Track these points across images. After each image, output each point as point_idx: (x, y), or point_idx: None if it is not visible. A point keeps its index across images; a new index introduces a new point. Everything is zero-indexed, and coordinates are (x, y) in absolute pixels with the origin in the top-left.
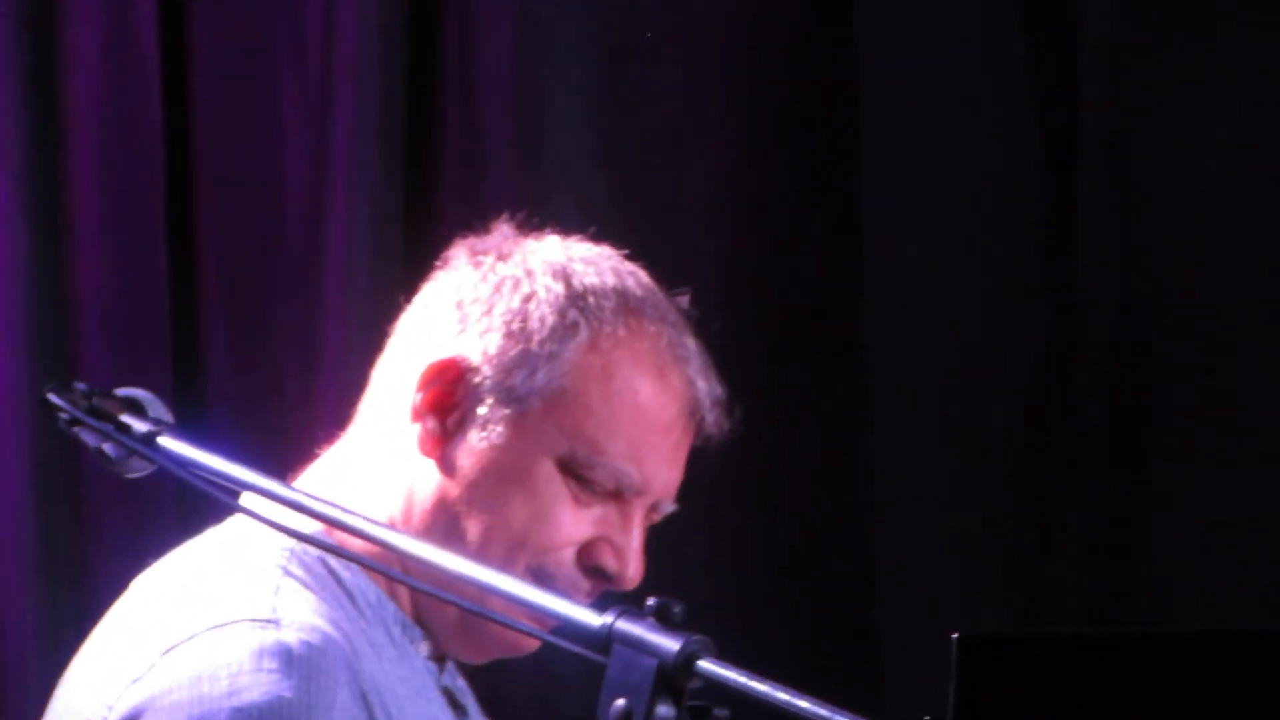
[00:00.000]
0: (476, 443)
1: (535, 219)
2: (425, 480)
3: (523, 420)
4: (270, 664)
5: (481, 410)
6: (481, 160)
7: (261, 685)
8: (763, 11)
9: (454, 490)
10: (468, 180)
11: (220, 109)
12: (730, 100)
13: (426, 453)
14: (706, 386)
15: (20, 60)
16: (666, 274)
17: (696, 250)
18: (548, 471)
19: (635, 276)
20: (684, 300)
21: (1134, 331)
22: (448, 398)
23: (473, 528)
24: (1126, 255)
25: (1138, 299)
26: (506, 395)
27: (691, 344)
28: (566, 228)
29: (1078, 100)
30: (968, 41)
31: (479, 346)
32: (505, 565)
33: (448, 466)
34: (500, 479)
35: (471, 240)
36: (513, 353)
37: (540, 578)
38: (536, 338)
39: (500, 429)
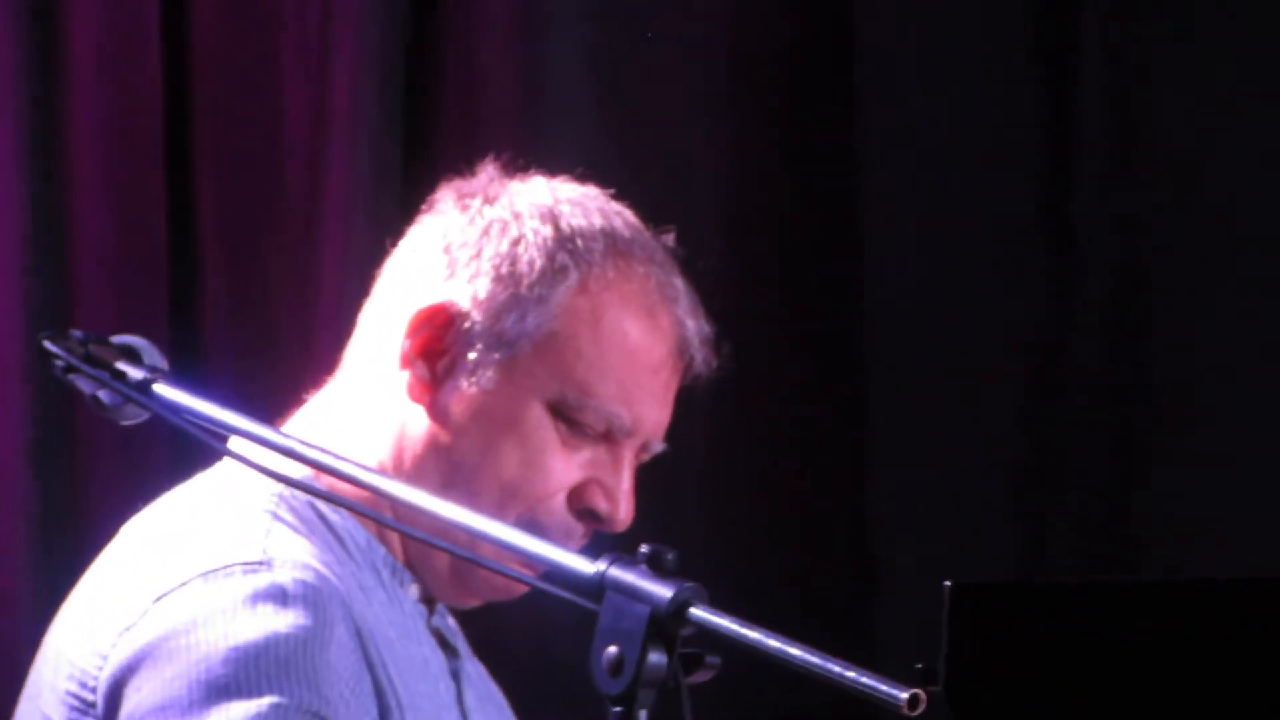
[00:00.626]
0: (466, 388)
1: (534, 167)
2: (415, 426)
3: (512, 364)
4: (265, 605)
5: (471, 355)
6: (481, 111)
7: (257, 625)
8: None
9: (444, 436)
10: (466, 131)
11: (220, 58)
12: (731, 59)
13: (416, 399)
14: (695, 325)
15: (20, 10)
16: (662, 223)
17: (694, 198)
18: (538, 415)
19: (622, 216)
20: (669, 238)
21: (1132, 302)
22: (436, 343)
23: (464, 474)
24: (1125, 224)
25: (1137, 265)
26: (496, 339)
27: (679, 283)
28: (565, 174)
29: (1077, 79)
30: (968, 20)
31: (468, 291)
32: (497, 514)
33: (438, 412)
34: (490, 424)
35: (458, 183)
36: (502, 297)
37: (533, 527)
38: (525, 281)
39: (490, 373)
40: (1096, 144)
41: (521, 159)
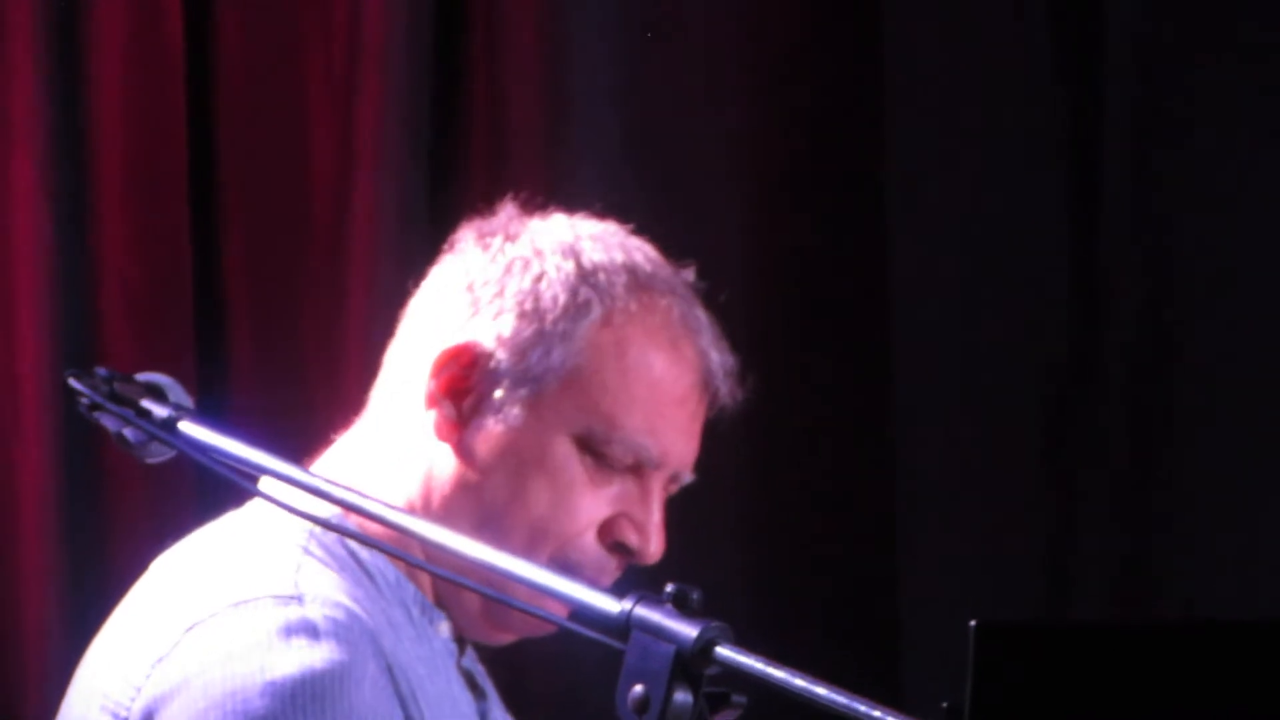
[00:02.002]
0: (493, 426)
1: (560, 203)
2: (443, 466)
3: (539, 401)
4: (298, 639)
5: (497, 393)
6: (507, 145)
7: (292, 659)
8: None
9: (472, 475)
10: (493, 165)
11: (245, 93)
12: (754, 83)
13: (443, 438)
14: (719, 357)
15: (46, 46)
16: (689, 256)
17: (720, 231)
18: (565, 451)
19: (643, 251)
20: (689, 273)
21: (1158, 313)
22: (462, 382)
23: (493, 513)
24: (1151, 237)
25: (1162, 280)
26: (521, 377)
27: (702, 315)
28: (591, 211)
29: (1104, 86)
30: (996, 22)
31: (492, 330)
32: (528, 553)
33: (465, 451)
34: (519, 462)
35: (478, 222)
36: (526, 334)
37: (565, 565)
38: (549, 317)
39: (516, 411)
40: (1123, 156)
41: (547, 193)
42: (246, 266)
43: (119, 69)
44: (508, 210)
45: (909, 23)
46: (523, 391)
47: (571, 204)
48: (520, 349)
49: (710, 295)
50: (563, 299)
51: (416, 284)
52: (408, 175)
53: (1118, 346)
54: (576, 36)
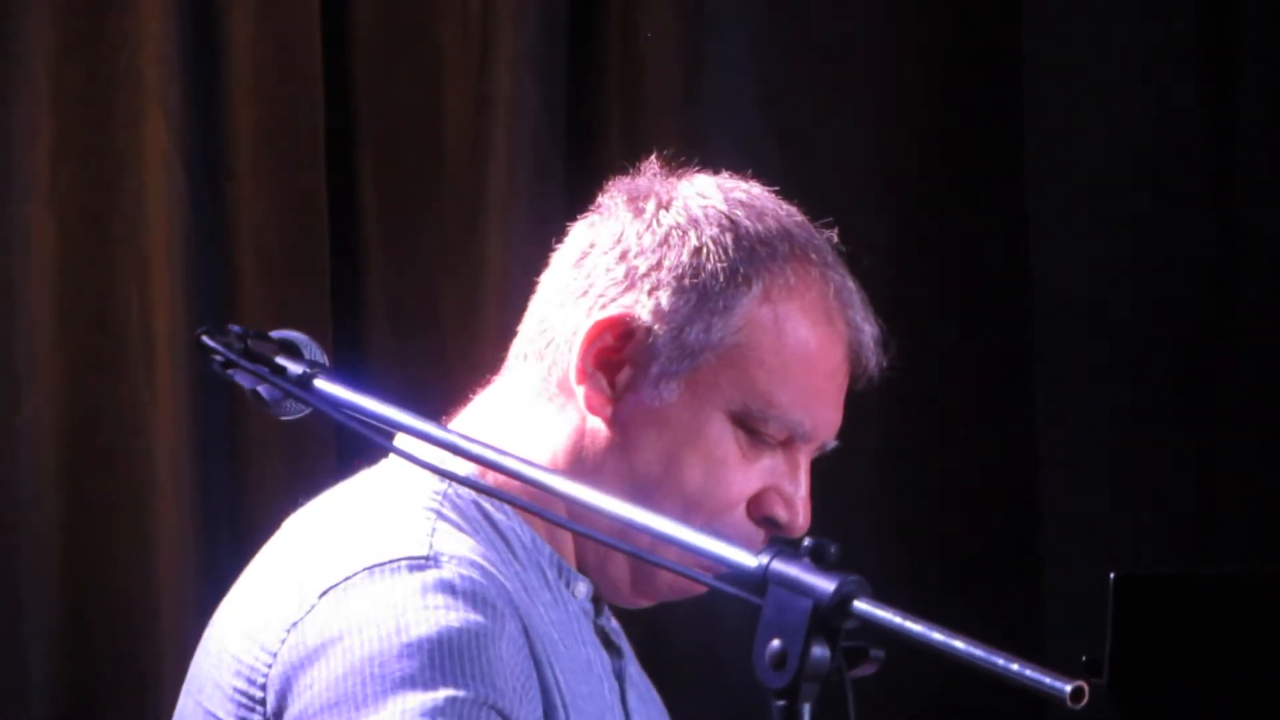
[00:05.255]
0: (649, 401)
1: (697, 159)
2: (593, 438)
3: (695, 377)
4: (435, 599)
5: (654, 368)
6: (642, 100)
7: (429, 620)
8: None
9: (624, 450)
10: (628, 121)
11: (381, 51)
12: (891, 46)
13: (594, 410)
14: (869, 329)
15: (179, 4)
16: (825, 219)
17: (857, 195)
18: (720, 427)
19: (792, 216)
20: (833, 235)
21: None
22: (615, 354)
23: (645, 488)
24: None
25: None
26: (679, 352)
27: (852, 285)
28: (727, 170)
29: (1240, 47)
30: (1129, 13)
31: (649, 303)
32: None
33: (617, 425)
34: (673, 438)
35: (626, 184)
36: (685, 309)
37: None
38: (709, 292)
39: (673, 386)
40: (1258, 129)
41: (684, 150)
42: (382, 223)
43: (254, 26)
44: (653, 171)
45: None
46: (680, 367)
47: (708, 161)
48: (679, 324)
49: (854, 258)
50: (723, 273)
51: (556, 241)
52: (542, 131)
53: (1255, 298)
54: None
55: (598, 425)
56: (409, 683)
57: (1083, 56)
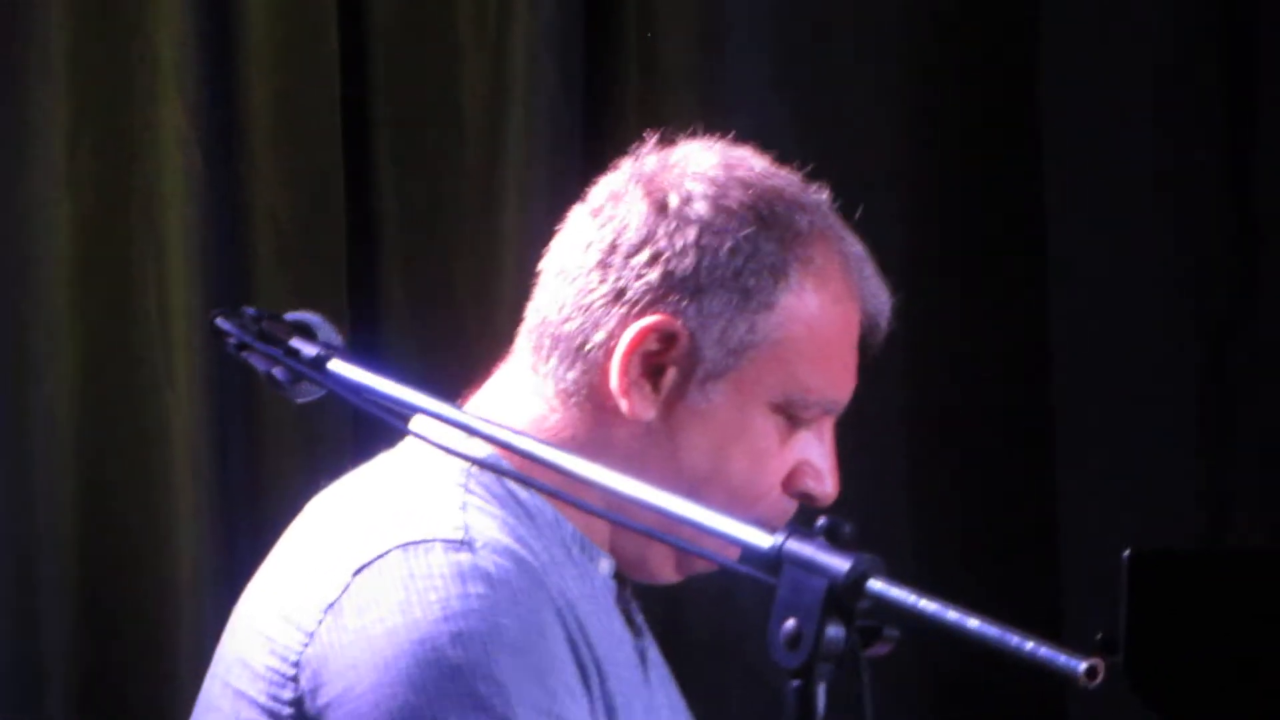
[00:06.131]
0: (696, 404)
1: (714, 135)
2: (638, 444)
3: (740, 376)
4: (476, 588)
5: (700, 371)
6: (659, 77)
7: (476, 610)
8: None
9: (668, 451)
10: (645, 97)
11: (397, 29)
12: (908, 27)
13: (638, 417)
14: (882, 294)
15: None
16: (841, 191)
17: (872, 174)
18: (763, 419)
19: (794, 184)
20: (825, 196)
21: None
22: (659, 359)
23: (690, 487)
24: None
25: None
26: (725, 353)
27: (859, 248)
28: (741, 141)
29: (1259, 36)
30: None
31: (692, 307)
32: None
33: (664, 429)
34: (721, 435)
35: (640, 174)
36: (729, 311)
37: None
38: (750, 291)
39: (720, 387)
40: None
41: (700, 125)
42: (398, 203)
43: (271, 7)
44: (662, 156)
45: None
46: (725, 367)
47: (727, 131)
48: (723, 326)
49: (844, 213)
50: (764, 271)
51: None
52: (560, 108)
53: (1277, 278)
54: None
55: (641, 431)
56: (463, 672)
57: (1103, 47)
